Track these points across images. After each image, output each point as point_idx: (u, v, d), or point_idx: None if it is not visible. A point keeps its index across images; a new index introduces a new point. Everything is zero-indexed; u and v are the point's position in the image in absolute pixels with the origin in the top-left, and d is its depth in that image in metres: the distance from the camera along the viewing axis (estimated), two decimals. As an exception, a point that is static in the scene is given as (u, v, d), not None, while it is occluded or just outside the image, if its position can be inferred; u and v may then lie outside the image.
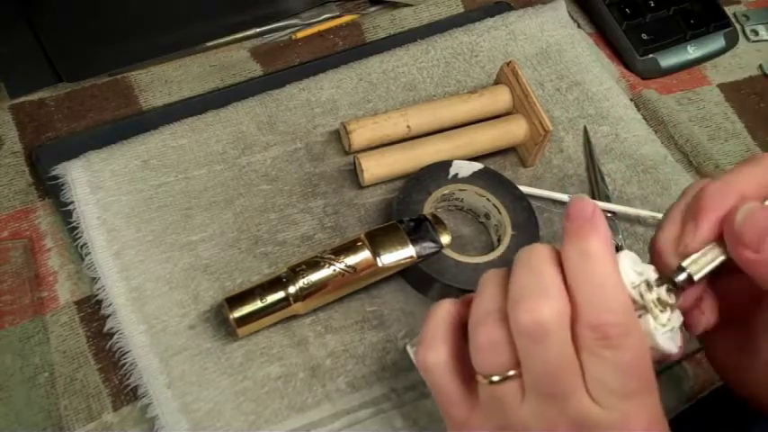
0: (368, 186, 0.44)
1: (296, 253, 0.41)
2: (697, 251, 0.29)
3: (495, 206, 0.43)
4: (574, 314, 0.27)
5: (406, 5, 0.54)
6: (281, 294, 0.37)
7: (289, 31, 0.51)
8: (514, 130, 0.46)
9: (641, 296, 0.28)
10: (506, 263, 0.40)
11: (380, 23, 0.52)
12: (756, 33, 0.61)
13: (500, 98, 0.47)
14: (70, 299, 0.39)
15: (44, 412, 0.36)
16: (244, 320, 0.36)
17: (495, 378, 0.28)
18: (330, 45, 0.51)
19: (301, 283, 0.37)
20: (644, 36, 0.55)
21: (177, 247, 0.40)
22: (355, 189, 0.44)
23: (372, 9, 0.54)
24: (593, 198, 0.46)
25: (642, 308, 0.28)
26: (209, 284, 0.39)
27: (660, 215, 0.45)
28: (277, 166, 0.44)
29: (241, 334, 0.37)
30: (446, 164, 0.43)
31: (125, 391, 0.37)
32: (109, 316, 0.38)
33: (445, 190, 0.43)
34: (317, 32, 0.51)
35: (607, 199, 0.46)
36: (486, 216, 0.44)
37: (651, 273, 0.29)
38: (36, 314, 0.38)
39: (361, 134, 0.43)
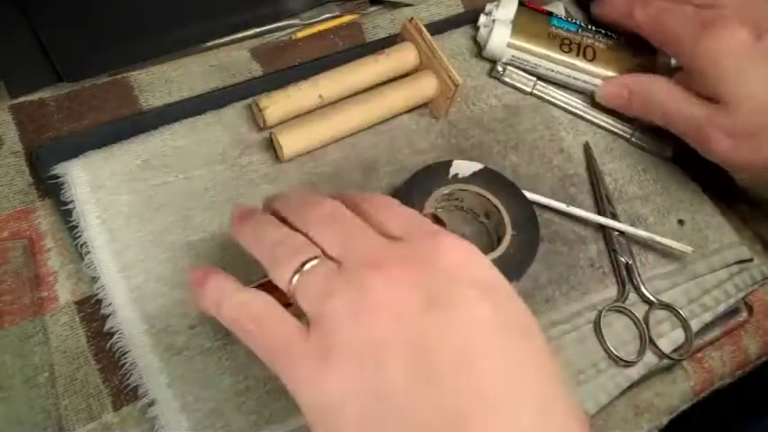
0: (368, 186, 0.44)
1: (296, 253, 0.41)
2: None
3: (495, 206, 0.43)
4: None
5: (406, 5, 0.54)
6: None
7: (289, 31, 0.51)
8: (425, 86, 0.46)
9: None
10: (507, 262, 0.40)
11: (380, 23, 0.52)
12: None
13: (407, 56, 0.47)
14: (70, 299, 0.39)
15: (44, 412, 0.36)
16: None
17: (312, 263, 0.29)
18: (330, 45, 0.51)
19: None
20: (644, 36, 0.55)
21: (177, 246, 0.40)
22: (355, 189, 0.44)
23: (372, 9, 0.54)
24: (599, 214, 0.46)
25: None
26: (209, 284, 0.39)
27: (661, 239, 0.45)
28: (277, 166, 0.44)
29: None
30: (446, 164, 0.43)
31: (125, 391, 0.37)
32: (109, 316, 0.38)
33: (446, 190, 0.43)
34: (317, 32, 0.51)
35: (614, 217, 0.46)
36: (486, 216, 0.44)
37: None
38: (36, 314, 0.38)
39: (275, 110, 0.43)
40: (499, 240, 0.42)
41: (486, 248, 0.43)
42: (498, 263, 0.40)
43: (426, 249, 0.28)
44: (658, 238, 0.44)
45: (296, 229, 0.31)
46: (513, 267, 0.41)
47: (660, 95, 0.46)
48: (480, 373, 0.25)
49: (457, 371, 0.25)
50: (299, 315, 0.30)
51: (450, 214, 0.45)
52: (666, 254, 0.45)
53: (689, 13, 0.44)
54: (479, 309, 0.27)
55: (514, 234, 0.42)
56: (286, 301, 0.36)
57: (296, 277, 0.29)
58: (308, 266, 0.29)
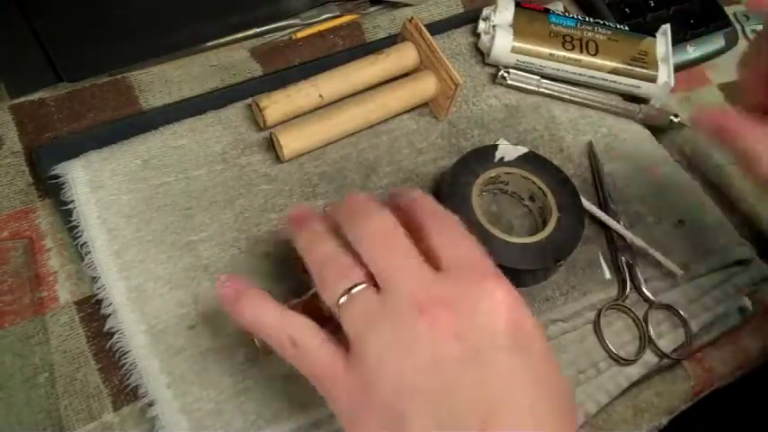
0: (368, 186, 0.44)
1: (296, 253, 0.41)
2: None
3: (541, 189, 0.44)
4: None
5: (406, 5, 0.54)
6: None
7: (289, 31, 0.51)
8: (425, 86, 0.47)
9: None
10: (552, 244, 0.41)
11: (380, 23, 0.52)
12: (756, 33, 0.61)
13: (407, 56, 0.47)
14: (70, 299, 0.39)
15: (44, 412, 0.36)
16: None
17: (356, 289, 0.30)
18: (330, 45, 0.51)
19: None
20: (644, 36, 0.55)
21: (177, 246, 0.40)
22: (356, 188, 0.44)
23: (372, 9, 0.54)
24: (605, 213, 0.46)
25: None
26: (209, 284, 0.39)
27: (654, 252, 0.45)
28: (277, 166, 0.44)
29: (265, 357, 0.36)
30: (492, 147, 0.45)
31: (125, 391, 0.37)
32: (109, 315, 0.38)
33: (492, 173, 0.44)
34: (317, 32, 0.51)
35: (615, 217, 0.46)
36: (531, 199, 0.45)
37: None
38: (36, 314, 0.38)
39: (275, 110, 0.43)
40: (544, 223, 0.43)
41: (531, 230, 0.44)
42: (544, 244, 0.41)
43: (471, 294, 0.29)
44: (651, 251, 0.44)
45: (347, 241, 0.32)
46: (558, 248, 0.42)
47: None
48: (501, 429, 0.26)
49: (480, 426, 0.26)
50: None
51: (495, 197, 0.46)
52: (667, 254, 0.45)
53: None
54: (512, 366, 0.28)
55: (560, 216, 0.43)
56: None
57: (342, 300, 0.30)
58: (353, 292, 0.30)
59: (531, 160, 0.45)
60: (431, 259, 0.30)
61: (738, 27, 0.60)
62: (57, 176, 0.41)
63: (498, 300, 0.29)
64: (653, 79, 0.51)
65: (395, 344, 0.28)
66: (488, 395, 0.27)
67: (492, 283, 0.29)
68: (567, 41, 0.50)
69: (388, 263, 0.30)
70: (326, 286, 0.31)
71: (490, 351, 0.28)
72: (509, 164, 0.44)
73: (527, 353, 0.28)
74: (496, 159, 0.44)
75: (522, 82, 0.50)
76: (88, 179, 0.40)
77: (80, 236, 0.39)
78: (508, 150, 0.45)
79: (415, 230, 0.32)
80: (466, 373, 0.27)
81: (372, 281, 0.30)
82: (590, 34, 0.51)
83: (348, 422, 0.29)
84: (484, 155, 0.44)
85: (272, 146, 0.44)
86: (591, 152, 0.49)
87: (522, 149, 0.45)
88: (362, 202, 0.33)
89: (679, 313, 0.43)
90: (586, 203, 0.45)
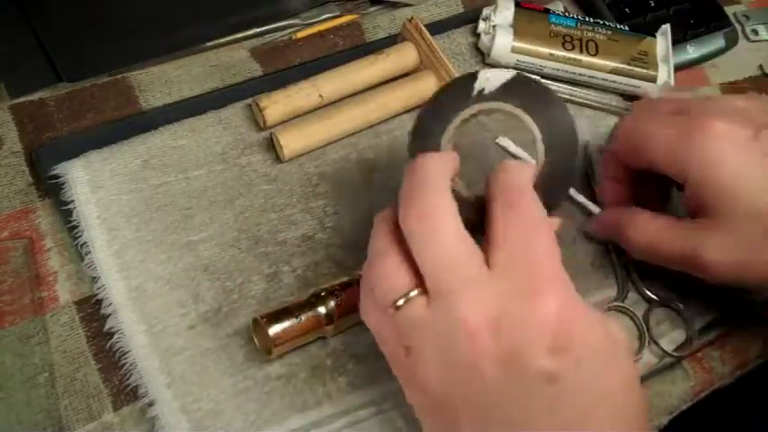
0: (368, 186, 0.44)
1: (296, 253, 0.41)
2: None
3: (529, 127, 0.35)
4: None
5: (406, 5, 0.54)
6: (317, 311, 0.37)
7: (289, 31, 0.51)
8: (425, 86, 0.46)
9: None
10: (539, 191, 0.32)
11: (380, 23, 0.52)
12: (756, 33, 0.61)
13: (407, 56, 0.47)
14: (70, 299, 0.39)
15: (44, 412, 0.36)
16: (280, 337, 0.36)
17: (400, 301, 0.30)
18: (330, 45, 0.51)
19: (333, 303, 0.37)
20: (644, 36, 0.55)
21: (177, 246, 0.40)
22: (356, 188, 0.44)
23: (372, 9, 0.54)
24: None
25: None
26: (209, 284, 0.39)
27: None
28: (277, 166, 0.44)
29: (276, 353, 0.36)
30: (470, 78, 0.35)
31: (125, 391, 0.37)
32: (109, 315, 0.38)
33: (468, 113, 0.35)
34: (317, 32, 0.51)
35: None
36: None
37: None
38: (36, 314, 0.38)
39: (275, 110, 0.44)
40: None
41: None
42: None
43: (521, 307, 0.28)
44: None
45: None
46: (546, 194, 0.33)
47: (639, 229, 0.40)
48: None
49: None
50: None
51: (474, 145, 0.41)
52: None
53: (669, 122, 0.38)
54: (552, 392, 0.28)
55: (547, 160, 0.35)
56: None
57: (390, 311, 0.30)
58: (402, 302, 0.30)
59: (519, 87, 0.35)
60: (488, 243, 0.30)
61: (738, 27, 0.60)
62: (57, 176, 0.41)
63: (549, 316, 0.28)
64: (653, 79, 0.51)
65: (440, 361, 0.29)
66: (519, 404, 0.28)
67: (546, 296, 0.28)
68: (567, 41, 0.50)
69: (435, 268, 0.29)
70: (375, 289, 0.31)
71: (530, 374, 0.28)
72: (491, 96, 0.35)
73: (570, 377, 0.28)
74: (475, 92, 0.35)
75: (521, 82, 0.50)
76: (88, 179, 0.40)
77: (80, 236, 0.39)
78: (490, 78, 0.35)
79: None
80: (503, 391, 0.28)
81: (420, 283, 0.30)
82: (590, 34, 0.51)
83: (403, 387, 0.32)
84: (459, 90, 0.35)
85: (272, 146, 0.44)
86: (587, 153, 0.49)
87: (507, 74, 0.35)
88: (421, 173, 0.31)
89: (680, 312, 0.43)
90: (586, 202, 0.45)
